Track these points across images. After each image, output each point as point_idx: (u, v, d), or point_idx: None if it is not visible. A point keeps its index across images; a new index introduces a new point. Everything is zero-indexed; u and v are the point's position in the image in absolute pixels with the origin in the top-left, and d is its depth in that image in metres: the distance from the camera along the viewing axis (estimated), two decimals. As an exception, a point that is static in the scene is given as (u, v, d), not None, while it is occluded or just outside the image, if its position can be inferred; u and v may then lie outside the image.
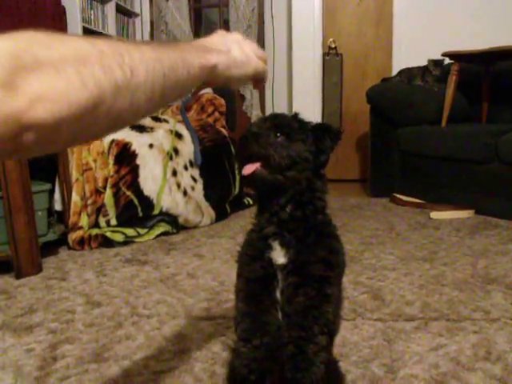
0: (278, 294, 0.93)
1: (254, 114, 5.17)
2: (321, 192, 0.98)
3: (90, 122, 0.50)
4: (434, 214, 3.00)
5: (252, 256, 0.95)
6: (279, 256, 0.92)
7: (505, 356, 1.32)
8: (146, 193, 2.62)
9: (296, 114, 0.99)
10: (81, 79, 0.47)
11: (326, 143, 0.97)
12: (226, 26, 5.04)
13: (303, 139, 0.94)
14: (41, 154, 0.51)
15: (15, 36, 0.45)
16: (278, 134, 0.92)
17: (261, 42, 5.07)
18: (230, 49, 0.79)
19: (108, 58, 0.51)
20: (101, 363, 1.33)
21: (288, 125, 0.95)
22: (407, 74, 3.80)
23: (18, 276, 2.04)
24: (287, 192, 0.93)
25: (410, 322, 1.54)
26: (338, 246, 0.98)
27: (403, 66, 4.35)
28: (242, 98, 5.21)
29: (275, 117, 0.97)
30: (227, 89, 3.92)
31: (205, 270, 2.09)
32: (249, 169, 0.90)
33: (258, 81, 0.90)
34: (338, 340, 1.34)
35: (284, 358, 0.88)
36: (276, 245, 0.93)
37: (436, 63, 3.62)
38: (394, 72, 4.48)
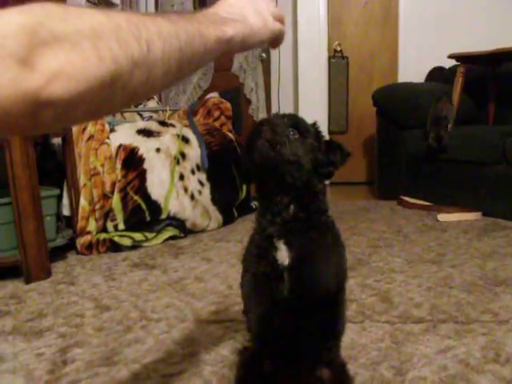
0: (285, 293, 0.93)
1: (260, 118, 5.17)
2: (322, 195, 0.99)
3: (106, 97, 0.50)
4: (442, 217, 3.00)
5: (258, 255, 0.95)
6: (285, 257, 0.92)
7: (514, 358, 1.31)
8: (153, 197, 2.63)
9: (315, 123, 1.01)
10: (97, 54, 0.46)
11: (336, 157, 0.99)
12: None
13: (316, 145, 0.96)
14: (58, 129, 0.50)
15: (29, 9, 0.44)
16: (294, 131, 0.94)
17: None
18: (245, 15, 0.75)
19: (124, 32, 0.50)
20: (111, 367, 1.34)
21: (305, 127, 0.97)
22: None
23: (28, 281, 2.05)
24: (289, 190, 0.93)
25: (418, 324, 1.54)
26: (341, 249, 0.99)
27: (409, 69, 4.37)
28: (248, 101, 5.22)
29: (294, 116, 0.98)
30: (233, 93, 3.92)
31: (213, 273, 2.10)
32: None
33: (275, 41, 0.86)
34: (346, 342, 1.35)
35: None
36: (281, 245, 0.93)
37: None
38: (400, 74, 4.49)
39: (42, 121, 0.46)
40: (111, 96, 0.51)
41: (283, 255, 0.92)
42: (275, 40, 0.85)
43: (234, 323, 1.58)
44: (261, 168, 0.93)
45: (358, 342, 1.43)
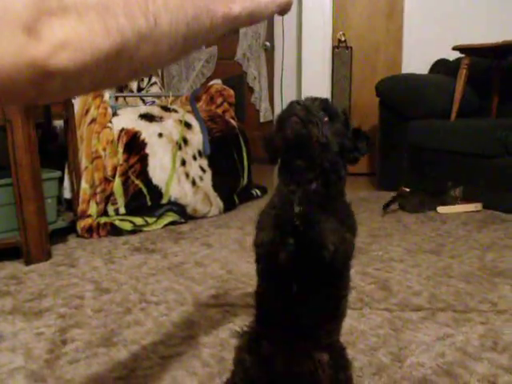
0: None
1: (263, 107, 5.17)
2: (344, 181, 1.00)
3: (111, 69, 0.49)
4: (442, 208, 3.00)
5: (276, 215, 0.94)
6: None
7: (511, 347, 1.32)
8: (154, 182, 2.63)
9: (344, 110, 1.01)
10: (104, 26, 0.46)
11: (362, 145, 1.00)
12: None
13: (344, 131, 0.97)
14: (62, 99, 0.49)
15: None
16: (325, 114, 0.94)
17: (270, 34, 5.07)
18: None
19: (132, 5, 0.49)
20: (110, 347, 1.35)
21: (335, 112, 0.97)
22: None
23: (28, 262, 2.06)
24: (315, 168, 0.93)
25: (417, 312, 1.54)
26: (352, 226, 0.99)
27: (413, 60, 4.36)
28: (251, 90, 5.21)
29: (326, 101, 0.98)
30: (236, 80, 3.91)
31: (213, 258, 2.10)
32: None
33: (282, 11, 0.83)
34: (344, 328, 1.35)
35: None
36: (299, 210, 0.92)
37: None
38: (404, 65, 4.47)
39: (47, 90, 0.45)
40: (116, 68, 0.50)
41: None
42: (282, 10, 0.84)
43: (234, 307, 1.59)
44: (291, 145, 0.93)
45: (357, 328, 1.44)
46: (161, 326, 1.47)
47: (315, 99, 0.97)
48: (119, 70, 0.51)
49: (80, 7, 0.44)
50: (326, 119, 0.94)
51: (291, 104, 0.93)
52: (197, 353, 1.31)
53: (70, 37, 0.43)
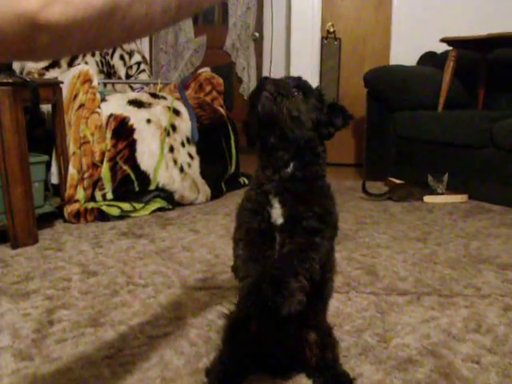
0: (275, 251, 0.94)
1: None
2: (322, 159, 1.01)
3: (104, 28, 0.49)
4: (428, 198, 3.02)
5: (252, 210, 0.95)
6: (278, 216, 0.94)
7: (494, 329, 1.34)
8: (142, 168, 2.62)
9: (318, 87, 1.02)
10: None
11: (338, 119, 1.00)
12: (224, 7, 5.07)
13: (319, 107, 0.97)
14: (53, 58, 0.49)
15: None
16: (298, 91, 0.95)
17: (259, 24, 5.06)
18: None
19: None
20: (97, 327, 1.35)
21: (308, 88, 0.98)
22: None
23: (15, 246, 2.05)
24: (290, 147, 0.94)
25: (402, 296, 1.56)
26: (333, 209, 1.00)
27: (402, 52, 4.37)
28: (240, 80, 5.20)
29: (299, 78, 0.99)
30: (225, 69, 3.91)
31: (200, 243, 2.10)
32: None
33: None
34: (331, 311, 1.36)
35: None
36: (276, 202, 0.94)
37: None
38: (393, 57, 4.48)
39: (38, 46, 0.45)
40: (109, 28, 0.50)
41: (277, 213, 0.94)
42: None
43: (221, 290, 1.60)
44: (263, 121, 0.93)
45: (343, 310, 1.45)
46: (148, 308, 1.48)
47: (289, 77, 0.98)
48: (111, 29, 0.50)
49: None
50: (300, 95, 0.95)
51: (260, 80, 0.94)
52: (184, 333, 1.32)
53: None
